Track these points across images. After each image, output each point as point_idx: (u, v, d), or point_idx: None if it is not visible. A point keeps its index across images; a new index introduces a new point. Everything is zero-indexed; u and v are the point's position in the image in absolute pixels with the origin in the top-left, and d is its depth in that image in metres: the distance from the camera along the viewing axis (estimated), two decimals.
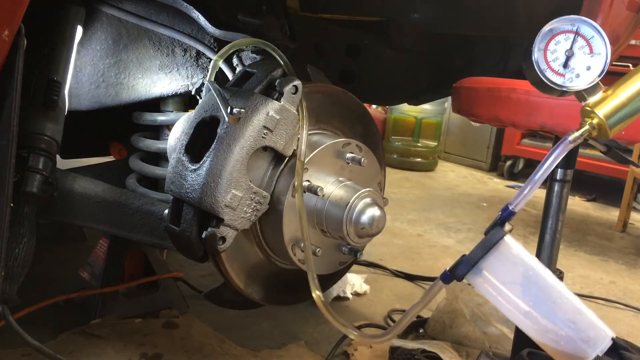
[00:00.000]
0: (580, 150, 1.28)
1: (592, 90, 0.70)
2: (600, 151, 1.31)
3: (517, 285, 0.65)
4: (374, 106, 4.70)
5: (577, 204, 3.76)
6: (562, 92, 0.70)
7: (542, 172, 0.67)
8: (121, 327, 1.46)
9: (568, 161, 1.26)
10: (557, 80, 0.69)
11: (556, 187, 1.28)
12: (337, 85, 1.11)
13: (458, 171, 4.66)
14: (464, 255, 0.68)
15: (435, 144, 4.67)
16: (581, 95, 0.70)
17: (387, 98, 1.94)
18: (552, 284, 0.66)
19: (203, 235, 0.92)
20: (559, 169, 1.27)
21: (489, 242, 0.65)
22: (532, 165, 4.78)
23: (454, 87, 1.46)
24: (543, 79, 0.69)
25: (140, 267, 1.64)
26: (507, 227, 0.66)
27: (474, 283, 0.68)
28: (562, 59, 0.69)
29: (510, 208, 0.66)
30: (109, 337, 1.41)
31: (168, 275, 1.65)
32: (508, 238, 0.66)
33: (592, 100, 0.70)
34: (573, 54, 0.69)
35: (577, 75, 0.69)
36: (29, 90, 1.04)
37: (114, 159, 1.59)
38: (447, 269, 0.69)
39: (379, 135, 1.21)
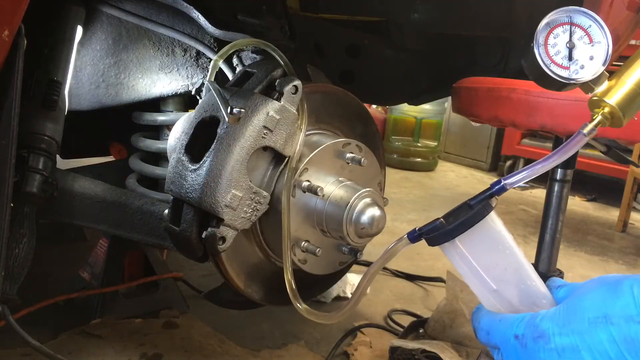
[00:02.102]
0: (580, 151, 1.27)
1: (598, 80, 0.67)
2: (600, 151, 1.31)
3: (490, 262, 0.63)
4: (374, 106, 4.70)
5: (577, 204, 3.76)
6: (569, 86, 0.68)
7: (549, 164, 0.63)
8: (121, 327, 1.46)
9: (568, 161, 1.26)
10: (563, 73, 0.67)
11: (556, 187, 1.28)
12: (337, 85, 1.11)
13: (458, 171, 4.66)
14: (439, 220, 0.64)
15: (435, 144, 4.67)
16: (588, 86, 0.68)
17: (387, 98, 1.93)
18: (526, 265, 0.64)
19: (203, 235, 0.91)
20: (559, 169, 1.27)
21: (477, 217, 0.62)
22: None
23: (454, 87, 1.46)
24: (550, 74, 0.67)
25: (140, 267, 1.64)
26: (494, 202, 0.63)
27: (444, 250, 0.65)
28: (564, 52, 0.67)
29: (503, 182, 0.63)
30: (109, 337, 1.41)
31: (168, 275, 1.66)
32: (491, 213, 0.63)
33: (599, 90, 0.67)
34: (574, 46, 0.67)
35: (582, 67, 0.67)
36: (29, 90, 1.04)
37: (114, 159, 1.59)
38: (417, 228, 0.65)
39: (379, 135, 1.21)
